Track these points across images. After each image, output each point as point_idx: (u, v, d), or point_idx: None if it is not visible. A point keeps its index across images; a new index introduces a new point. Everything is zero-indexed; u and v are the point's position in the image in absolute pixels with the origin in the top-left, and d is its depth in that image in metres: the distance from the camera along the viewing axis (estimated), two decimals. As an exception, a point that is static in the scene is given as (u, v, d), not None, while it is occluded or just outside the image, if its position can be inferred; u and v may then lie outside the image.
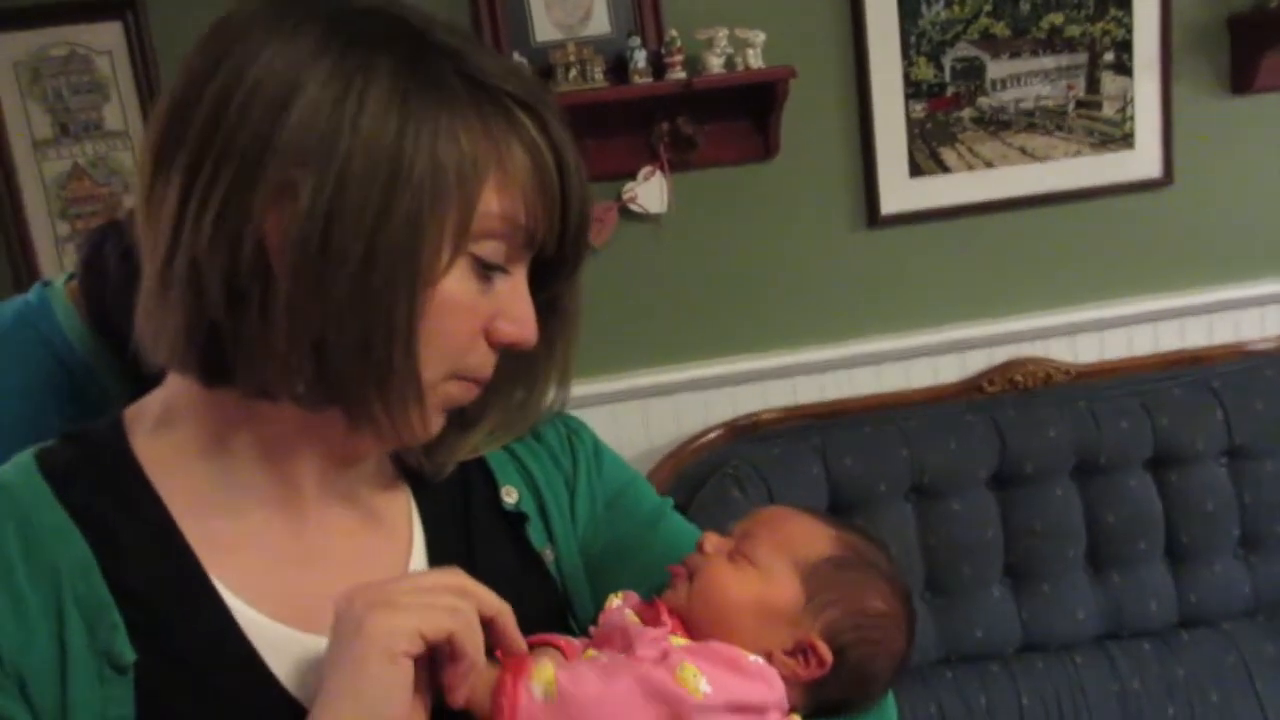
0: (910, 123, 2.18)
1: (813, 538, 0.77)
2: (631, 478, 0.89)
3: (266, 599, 0.69)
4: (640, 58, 2.00)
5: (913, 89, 2.17)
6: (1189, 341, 2.32)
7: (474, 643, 0.63)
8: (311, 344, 0.63)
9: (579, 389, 0.86)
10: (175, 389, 0.72)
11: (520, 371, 0.79)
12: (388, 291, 0.62)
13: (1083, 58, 2.21)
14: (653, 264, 2.18)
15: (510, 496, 0.80)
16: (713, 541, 0.77)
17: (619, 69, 2.04)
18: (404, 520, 0.78)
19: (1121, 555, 2.13)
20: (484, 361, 0.71)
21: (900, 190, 2.20)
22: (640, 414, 2.20)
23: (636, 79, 2.01)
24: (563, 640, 0.72)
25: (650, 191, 2.12)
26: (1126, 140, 2.24)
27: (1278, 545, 2.14)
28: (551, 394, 0.82)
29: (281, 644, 0.68)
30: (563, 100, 1.74)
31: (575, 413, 0.89)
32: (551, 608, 0.79)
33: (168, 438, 0.71)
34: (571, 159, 0.69)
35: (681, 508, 0.90)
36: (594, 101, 1.99)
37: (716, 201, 2.17)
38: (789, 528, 0.78)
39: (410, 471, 0.79)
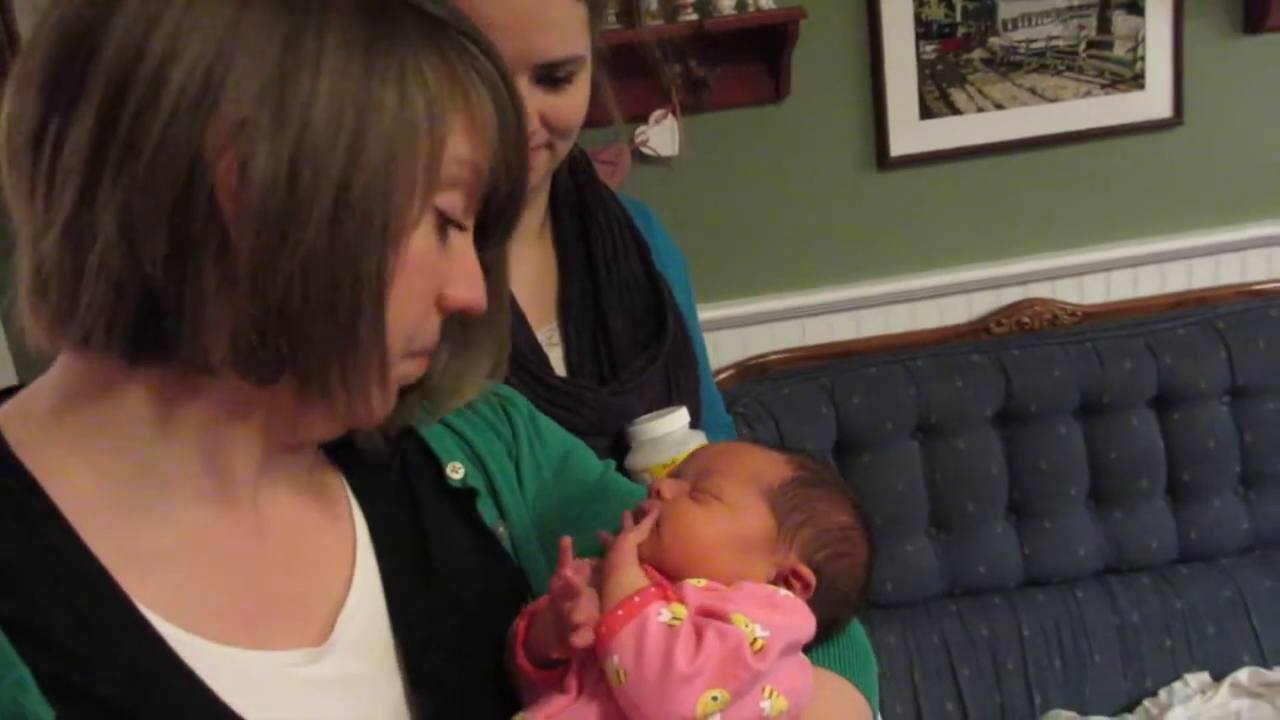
0: (921, 64, 2.18)
1: (770, 464, 0.76)
2: (572, 443, 0.85)
3: (204, 618, 0.59)
4: (652, -1, 2.00)
5: (923, 29, 2.17)
6: (1195, 282, 2.34)
7: None
8: (272, 305, 0.55)
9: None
10: (77, 374, 0.59)
11: (456, 338, 0.72)
12: (359, 243, 0.56)
13: (1094, -3, 2.20)
14: (664, 206, 2.17)
15: (456, 473, 0.75)
16: (669, 486, 0.74)
17: (629, 11, 2.04)
18: (343, 509, 0.70)
19: (1123, 492, 2.17)
20: (434, 331, 0.65)
21: (910, 132, 2.21)
22: (651, 355, 2.23)
23: (648, 20, 2.01)
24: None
25: (662, 134, 2.13)
26: (1137, 80, 2.23)
27: (1277, 483, 2.19)
28: (489, 364, 0.76)
29: (230, 668, 0.58)
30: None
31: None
32: (511, 586, 0.74)
33: (66, 433, 0.59)
34: (520, 104, 0.64)
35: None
36: (605, 44, 1.98)
37: (727, 144, 2.18)
38: (742, 458, 0.76)
39: (337, 454, 0.72)
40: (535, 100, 1.05)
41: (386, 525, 0.70)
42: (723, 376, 2.21)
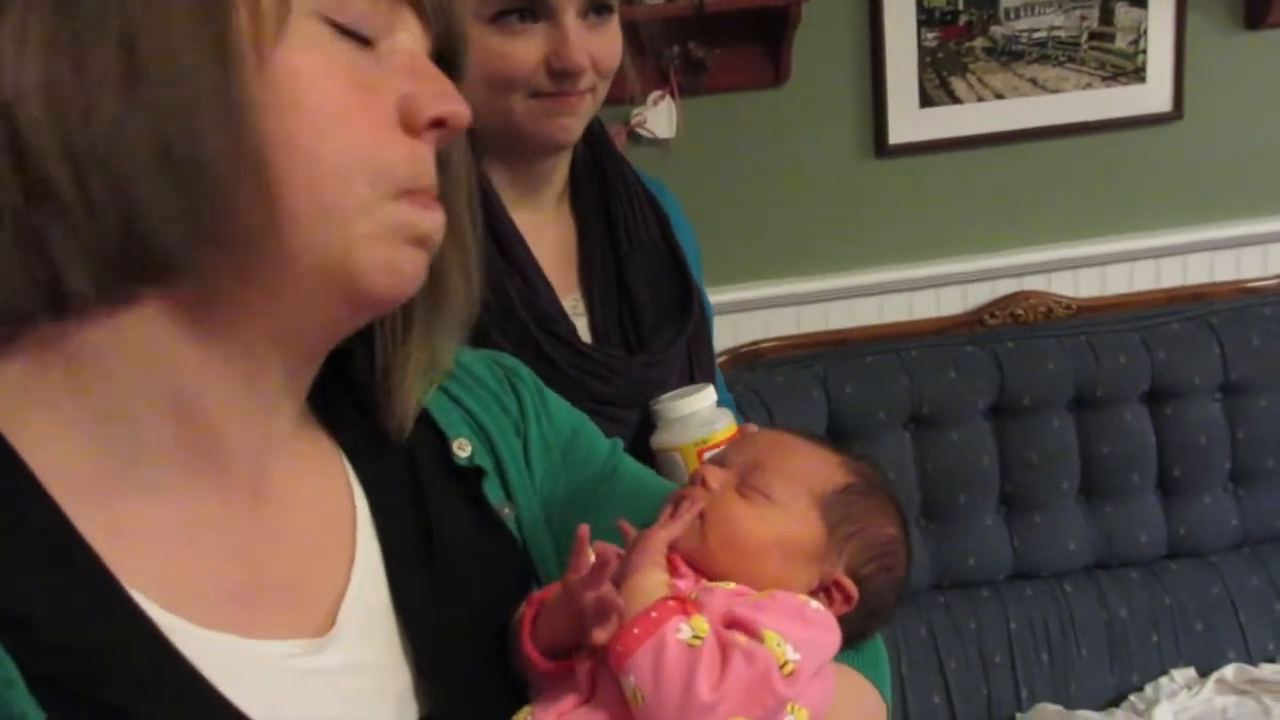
0: (922, 51, 2.16)
1: (824, 466, 0.72)
2: (580, 419, 0.81)
3: (200, 603, 0.54)
4: (652, -21, 1.97)
5: (925, 16, 2.15)
6: (1190, 278, 2.33)
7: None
8: (129, 194, 0.48)
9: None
10: (37, 340, 0.52)
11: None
12: (184, 72, 0.48)
13: (1097, -12, 2.19)
14: (659, 189, 2.17)
15: (463, 450, 0.70)
16: (716, 476, 0.70)
17: (630, -10, 2.02)
18: (343, 487, 0.65)
19: (1114, 487, 2.16)
20: (416, 159, 0.56)
21: (909, 120, 2.19)
22: (643, 339, 2.21)
23: (647, 0, 1.98)
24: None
25: (659, 116, 2.10)
26: (1138, 74, 2.22)
27: (1267, 480, 2.18)
28: (461, 286, 0.67)
29: (229, 660, 0.53)
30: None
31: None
32: (517, 569, 0.71)
33: (41, 400, 0.52)
34: None
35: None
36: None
37: (725, 127, 2.16)
38: (795, 457, 0.72)
39: (336, 426, 0.67)
40: (584, 40, 1.07)
41: (388, 505, 0.66)
42: (716, 363, 2.19)
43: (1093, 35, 2.20)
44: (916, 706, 2.03)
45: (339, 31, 0.53)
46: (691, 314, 1.23)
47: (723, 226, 2.19)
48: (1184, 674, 2.07)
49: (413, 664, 0.62)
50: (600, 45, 1.11)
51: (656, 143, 2.13)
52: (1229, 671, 2.04)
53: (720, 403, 1.27)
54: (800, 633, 0.61)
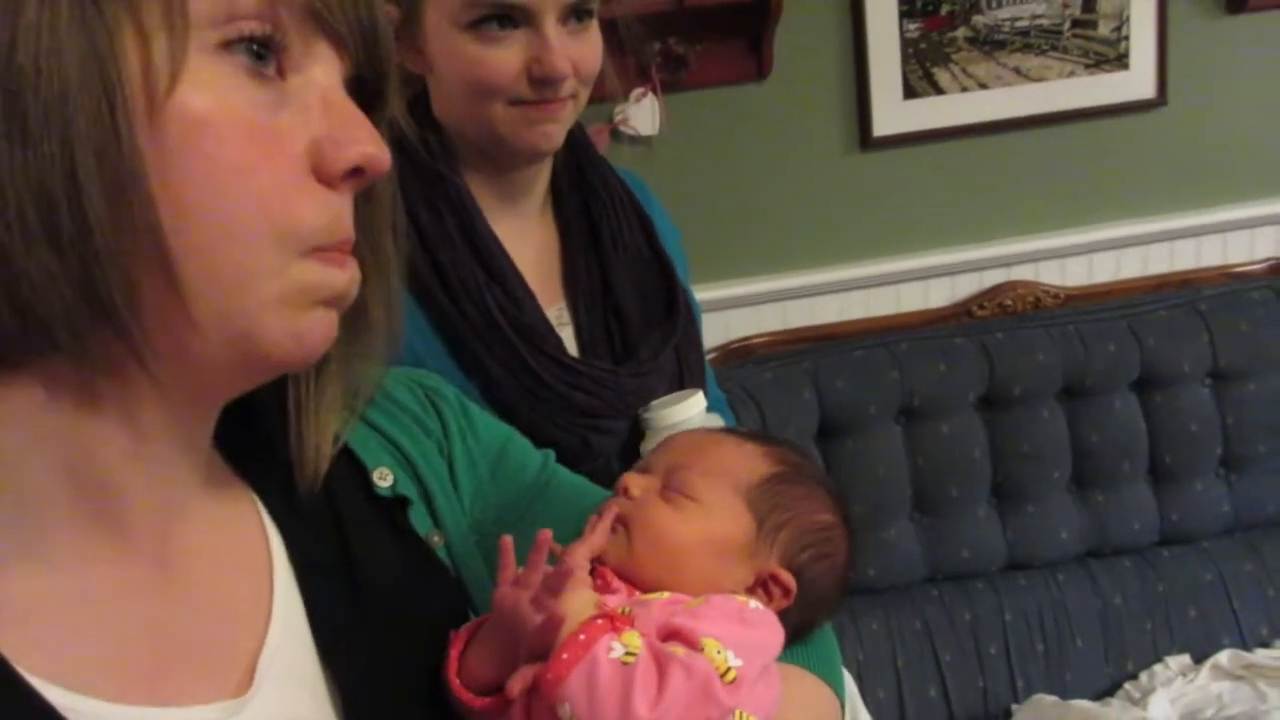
0: (904, 42, 2.15)
1: (746, 458, 0.70)
2: (508, 433, 0.78)
3: (105, 677, 0.49)
4: (631, -25, 1.96)
5: (906, 7, 2.14)
6: (1177, 264, 2.33)
7: None
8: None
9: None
10: None
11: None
12: (73, 129, 0.43)
13: (1079, -26, 2.18)
14: (644, 187, 2.16)
15: (384, 480, 0.66)
16: (638, 483, 0.68)
17: (609, -14, 2.00)
18: (256, 530, 0.61)
19: (1105, 476, 2.16)
20: (328, 213, 0.51)
21: (893, 112, 2.18)
22: (631, 338, 2.20)
23: (627, -3, 1.96)
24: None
25: (642, 113, 2.09)
26: (1121, 60, 2.21)
27: (1258, 465, 2.19)
28: (383, 318, 0.62)
29: None
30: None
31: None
32: (450, 601, 0.67)
33: None
34: None
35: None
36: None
37: (708, 123, 2.15)
38: (718, 452, 0.71)
39: (245, 466, 0.62)
40: (565, 46, 1.07)
41: (307, 545, 0.61)
42: (707, 361, 2.18)
43: (1075, 23, 2.19)
44: (912, 700, 2.03)
45: (243, 66, 0.48)
46: (678, 317, 1.21)
47: (709, 222, 2.18)
48: (1179, 661, 2.07)
49: (340, 714, 0.58)
50: (581, 51, 1.10)
51: (639, 140, 2.12)
52: (1224, 657, 2.04)
53: (711, 402, 1.26)
54: (740, 636, 0.59)
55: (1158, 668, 2.06)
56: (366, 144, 0.51)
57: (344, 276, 0.53)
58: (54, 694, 0.47)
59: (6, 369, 0.47)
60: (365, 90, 0.55)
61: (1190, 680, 2.01)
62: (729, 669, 0.56)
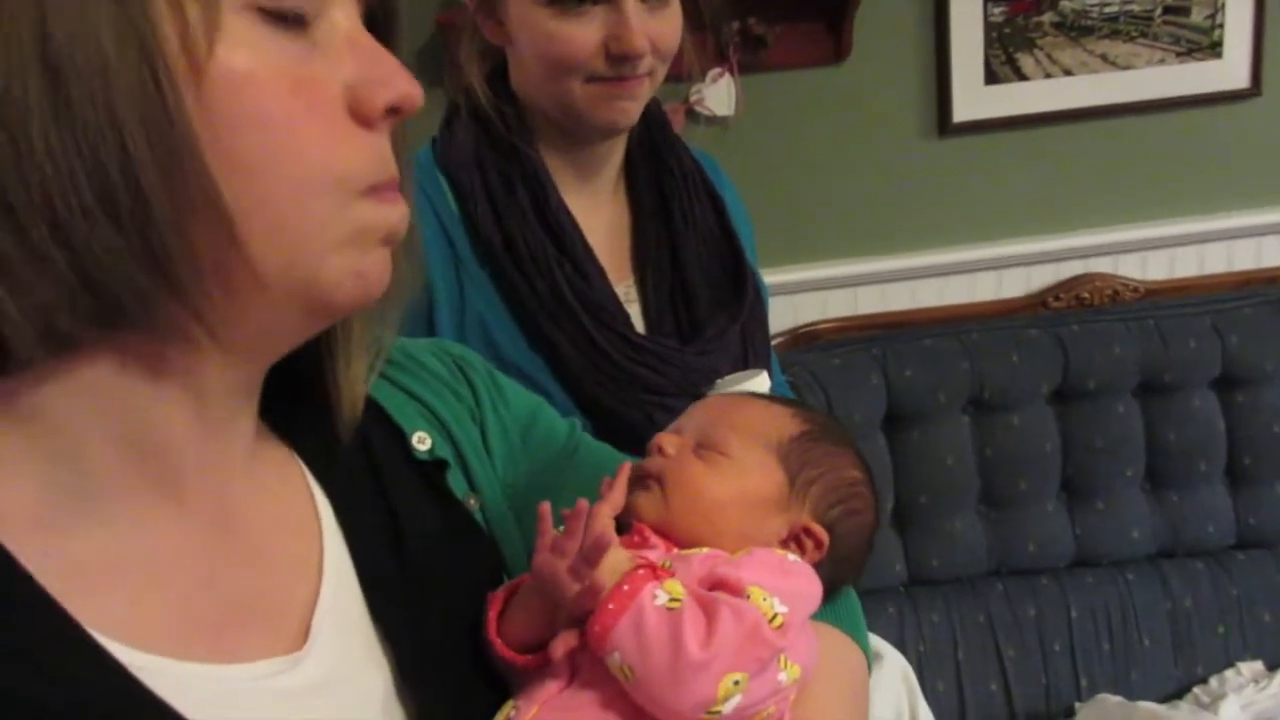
0: (988, 26, 2.11)
1: (775, 418, 0.72)
2: (538, 402, 0.79)
3: (169, 636, 0.51)
4: (712, -46, 1.95)
5: (991, -10, 2.10)
6: (1264, 261, 2.26)
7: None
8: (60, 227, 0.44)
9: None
10: None
11: None
12: (110, 102, 0.43)
13: (1173, -41, 2.12)
14: (717, 168, 2.15)
15: (423, 443, 0.68)
16: (672, 441, 0.70)
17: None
18: (305, 497, 0.62)
19: (1181, 475, 2.11)
20: (375, 153, 0.52)
21: (974, 98, 2.14)
22: (700, 320, 2.20)
23: (707, -24, 1.95)
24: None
25: (718, 94, 2.08)
26: (1214, 49, 2.15)
27: (1342, 469, 2.12)
28: (407, 267, 0.61)
29: (204, 690, 0.50)
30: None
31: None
32: (488, 562, 0.69)
33: None
34: None
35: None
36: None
37: (785, 105, 2.13)
38: (748, 411, 0.72)
39: (287, 430, 0.64)
40: (643, 23, 1.07)
41: (352, 506, 0.62)
42: (773, 344, 2.17)
43: (1167, 9, 2.13)
44: (973, 694, 2.01)
45: (270, 20, 0.48)
46: (746, 298, 1.21)
47: (781, 206, 2.16)
48: (1251, 667, 2.02)
49: (393, 668, 0.59)
50: (660, 28, 1.10)
51: (715, 121, 2.11)
52: (1298, 665, 1.99)
53: (774, 387, 1.25)
54: (783, 585, 0.60)
55: (1229, 673, 2.01)
56: (402, 82, 0.52)
57: (396, 212, 0.54)
58: (122, 653, 0.48)
59: (76, 354, 0.48)
60: (378, 29, 0.55)
61: (1263, 687, 1.96)
62: (776, 614, 0.57)
